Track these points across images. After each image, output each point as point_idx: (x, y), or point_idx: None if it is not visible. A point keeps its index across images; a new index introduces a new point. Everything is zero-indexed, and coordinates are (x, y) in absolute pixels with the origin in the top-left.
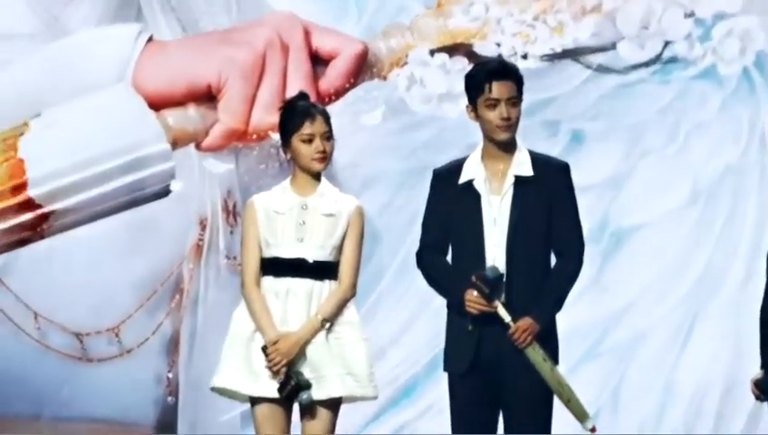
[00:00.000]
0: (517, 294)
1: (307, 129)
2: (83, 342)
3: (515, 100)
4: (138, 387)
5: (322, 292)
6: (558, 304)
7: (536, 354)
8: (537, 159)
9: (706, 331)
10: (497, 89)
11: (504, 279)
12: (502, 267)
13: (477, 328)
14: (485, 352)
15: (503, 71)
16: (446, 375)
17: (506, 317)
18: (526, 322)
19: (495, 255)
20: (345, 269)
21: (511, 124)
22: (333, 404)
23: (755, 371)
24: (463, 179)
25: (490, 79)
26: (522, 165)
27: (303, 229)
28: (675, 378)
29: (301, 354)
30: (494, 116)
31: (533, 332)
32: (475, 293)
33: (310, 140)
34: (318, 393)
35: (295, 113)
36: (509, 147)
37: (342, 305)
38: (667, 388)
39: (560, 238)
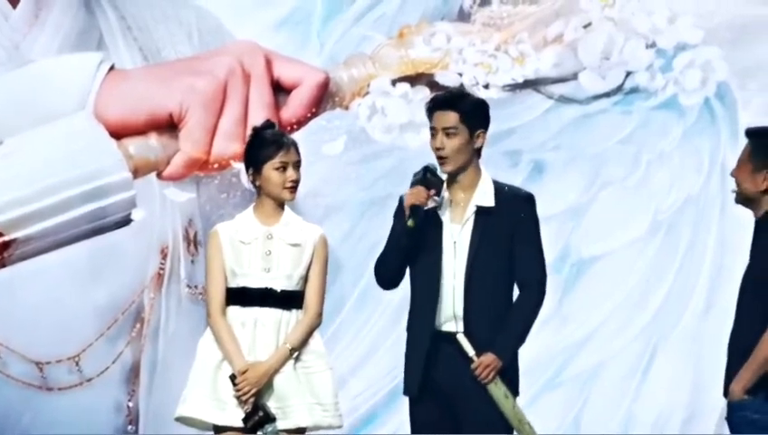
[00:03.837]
0: (477, 324)
1: (281, 157)
2: (43, 370)
3: (453, 131)
4: (98, 416)
5: (290, 321)
6: (521, 338)
7: (498, 391)
8: (501, 189)
9: (667, 360)
10: (436, 118)
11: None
12: (460, 297)
13: (416, 221)
14: (439, 373)
15: (444, 101)
16: (407, 403)
17: (470, 351)
18: (489, 357)
19: (455, 284)
20: (311, 298)
21: (443, 155)
22: (298, 433)
23: (715, 399)
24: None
25: (433, 108)
26: (484, 195)
27: (270, 259)
28: (635, 407)
29: (268, 384)
30: (432, 145)
31: (496, 368)
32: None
33: (283, 168)
34: (285, 423)
35: (267, 141)
36: (472, 176)
37: (310, 334)
38: (627, 417)
39: (523, 269)
